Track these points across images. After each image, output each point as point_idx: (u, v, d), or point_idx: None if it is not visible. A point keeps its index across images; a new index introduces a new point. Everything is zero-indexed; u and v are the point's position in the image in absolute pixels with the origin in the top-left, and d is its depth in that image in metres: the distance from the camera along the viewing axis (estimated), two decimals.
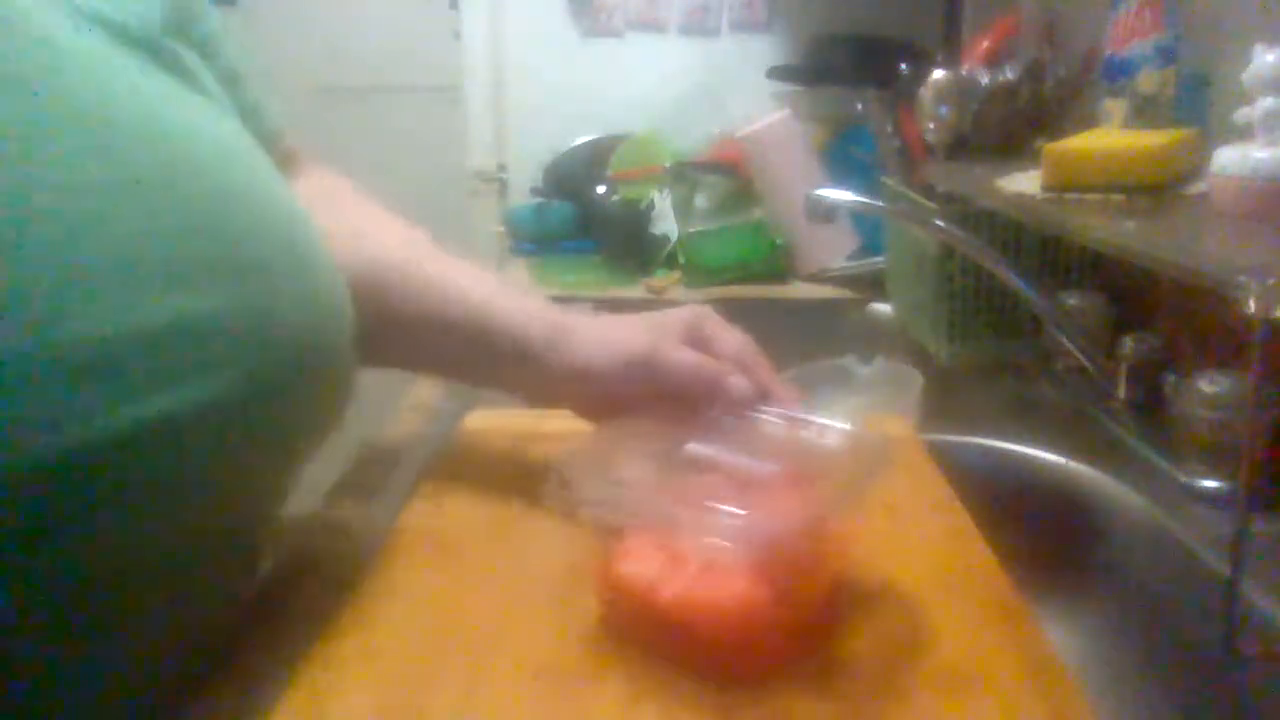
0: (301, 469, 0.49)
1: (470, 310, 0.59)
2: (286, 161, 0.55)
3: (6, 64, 0.34)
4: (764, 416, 0.58)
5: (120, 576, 0.38)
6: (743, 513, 0.45)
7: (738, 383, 0.57)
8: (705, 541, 0.46)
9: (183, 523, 0.40)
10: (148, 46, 0.42)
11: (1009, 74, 1.09)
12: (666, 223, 1.57)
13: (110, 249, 0.34)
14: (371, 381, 0.56)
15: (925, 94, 1.12)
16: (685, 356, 0.58)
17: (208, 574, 0.47)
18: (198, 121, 0.43)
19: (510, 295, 0.60)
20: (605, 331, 0.59)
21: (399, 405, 0.68)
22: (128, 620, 0.41)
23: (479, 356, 0.60)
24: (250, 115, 0.52)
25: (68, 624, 0.38)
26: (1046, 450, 0.84)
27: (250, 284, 0.40)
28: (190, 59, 0.46)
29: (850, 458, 0.52)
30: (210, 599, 0.48)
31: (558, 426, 0.65)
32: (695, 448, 0.54)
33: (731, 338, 0.60)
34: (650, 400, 0.57)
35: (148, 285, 0.35)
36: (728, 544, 0.44)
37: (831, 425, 0.55)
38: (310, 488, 0.59)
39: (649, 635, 0.47)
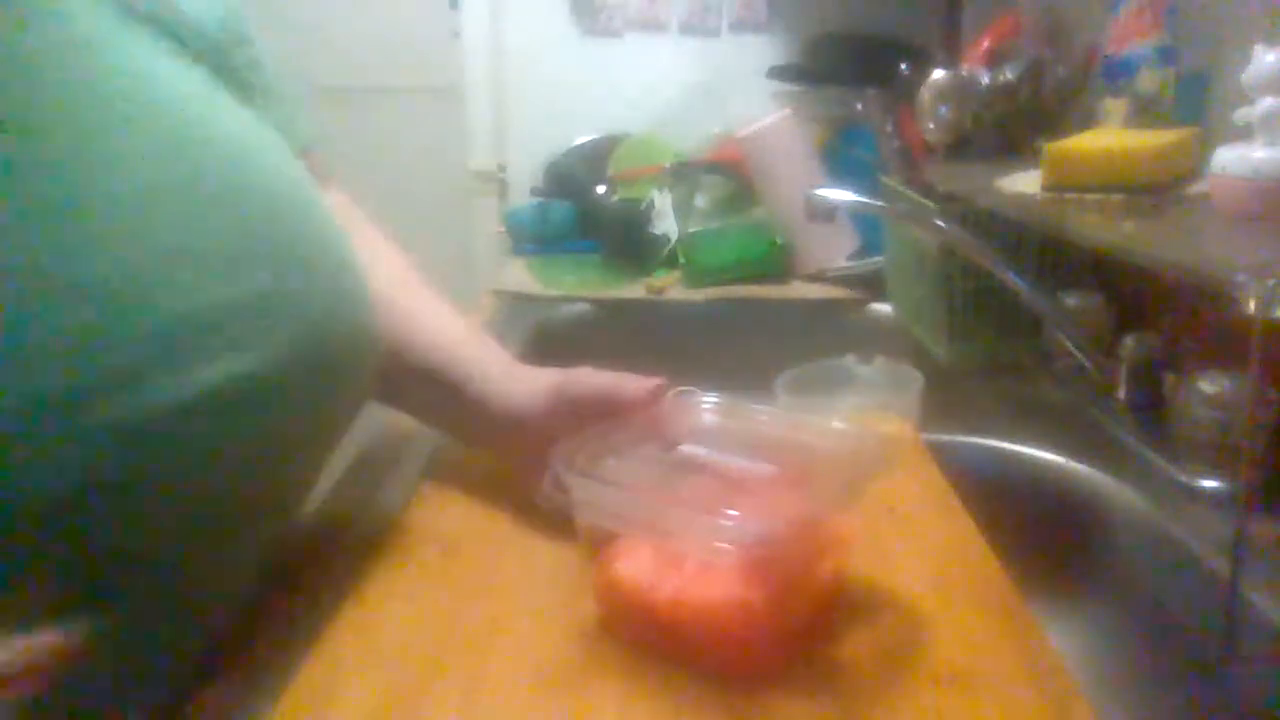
0: (329, 454, 0.52)
1: (434, 355, 0.63)
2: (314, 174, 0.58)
3: (99, 89, 0.40)
4: (759, 416, 0.58)
5: (164, 547, 0.41)
6: (736, 514, 0.45)
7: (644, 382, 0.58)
8: (703, 543, 0.46)
9: (230, 492, 0.43)
10: (214, 64, 0.49)
11: (1009, 74, 1.09)
12: (666, 223, 1.57)
13: (181, 241, 0.40)
14: None
15: (925, 94, 1.12)
16: (596, 374, 0.60)
17: (242, 552, 0.49)
18: (249, 134, 0.48)
19: (473, 342, 0.65)
20: (521, 372, 0.63)
21: (386, 419, 0.69)
22: (170, 587, 0.43)
23: (432, 396, 0.64)
24: (284, 129, 0.55)
25: (116, 589, 0.40)
26: (1046, 450, 0.84)
27: (288, 271, 0.45)
28: (246, 76, 0.52)
29: (846, 458, 0.52)
30: (239, 581, 0.50)
31: None
32: (689, 449, 0.54)
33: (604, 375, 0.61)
34: (561, 434, 0.57)
35: (208, 270, 0.41)
36: (725, 545, 0.44)
37: (828, 425, 0.55)
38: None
39: (646, 636, 0.47)
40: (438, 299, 0.67)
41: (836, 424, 0.55)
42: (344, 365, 0.49)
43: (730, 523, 0.44)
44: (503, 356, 0.65)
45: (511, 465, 0.64)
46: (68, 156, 0.38)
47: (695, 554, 0.47)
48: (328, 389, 0.48)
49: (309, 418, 0.48)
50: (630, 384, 0.58)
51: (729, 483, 0.51)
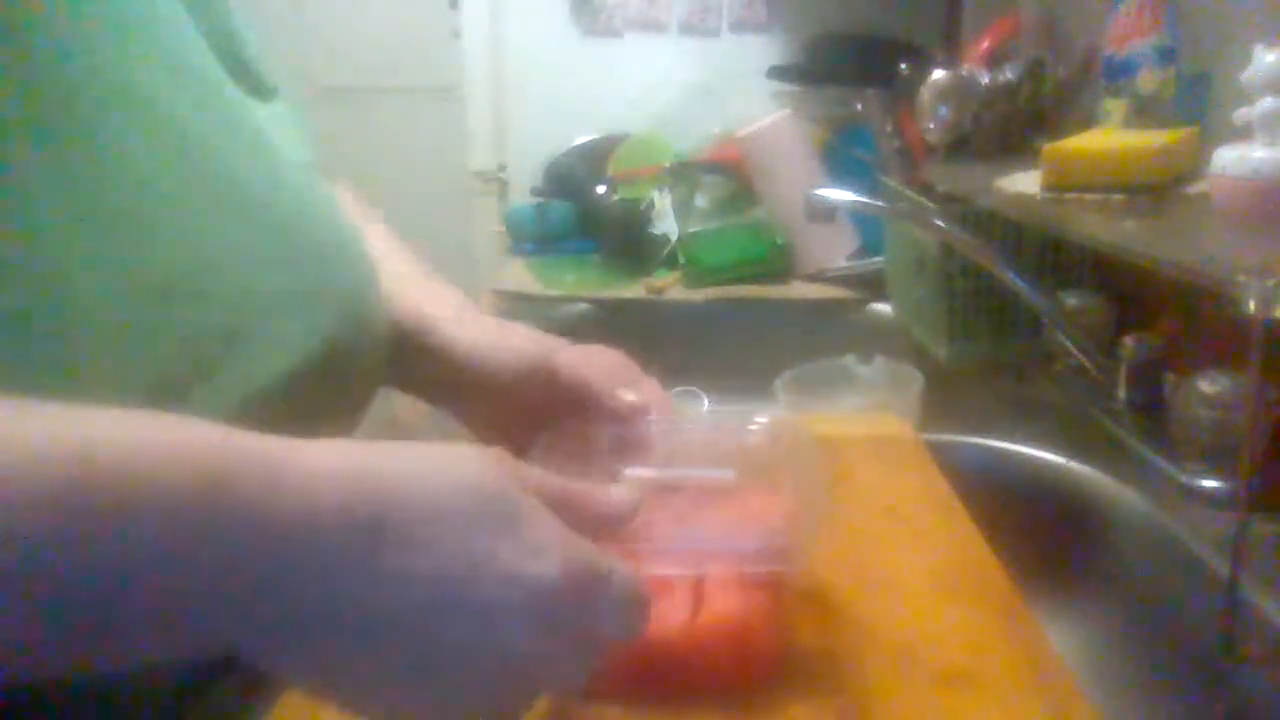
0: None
1: (416, 322, 0.58)
2: None
3: (139, 94, 0.41)
4: (660, 423, 0.56)
5: None
6: (755, 525, 0.44)
7: (626, 394, 0.56)
8: (724, 560, 0.45)
9: None
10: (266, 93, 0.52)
11: (1009, 74, 1.09)
12: (666, 223, 1.57)
13: (229, 238, 0.42)
14: None
15: (925, 94, 1.12)
16: (582, 358, 0.57)
17: None
18: (267, 130, 0.50)
19: (460, 316, 0.60)
20: (503, 330, 0.59)
21: (395, 409, 0.68)
22: None
23: (408, 359, 0.59)
24: (290, 126, 0.56)
25: None
26: (1046, 450, 0.84)
27: (318, 263, 0.47)
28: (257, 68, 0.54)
29: (813, 457, 0.51)
30: None
31: None
32: (638, 470, 0.51)
33: (605, 356, 0.59)
34: (539, 411, 0.56)
35: (256, 265, 0.43)
36: (750, 556, 0.43)
37: (747, 422, 0.55)
38: None
39: (637, 672, 0.44)
40: (444, 285, 0.63)
41: (756, 419, 0.54)
42: (363, 356, 0.50)
43: (733, 533, 0.44)
44: (484, 318, 0.61)
45: (474, 435, 0.61)
46: (120, 164, 0.39)
47: (722, 570, 0.46)
48: (350, 379, 0.49)
49: (339, 406, 0.49)
50: (618, 396, 0.56)
51: (697, 495, 0.50)
